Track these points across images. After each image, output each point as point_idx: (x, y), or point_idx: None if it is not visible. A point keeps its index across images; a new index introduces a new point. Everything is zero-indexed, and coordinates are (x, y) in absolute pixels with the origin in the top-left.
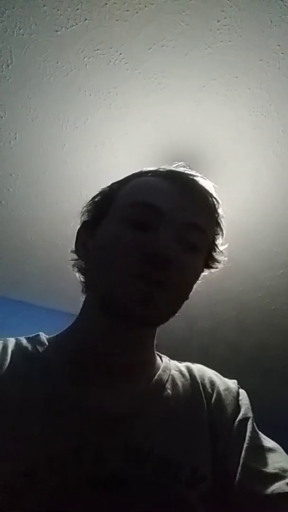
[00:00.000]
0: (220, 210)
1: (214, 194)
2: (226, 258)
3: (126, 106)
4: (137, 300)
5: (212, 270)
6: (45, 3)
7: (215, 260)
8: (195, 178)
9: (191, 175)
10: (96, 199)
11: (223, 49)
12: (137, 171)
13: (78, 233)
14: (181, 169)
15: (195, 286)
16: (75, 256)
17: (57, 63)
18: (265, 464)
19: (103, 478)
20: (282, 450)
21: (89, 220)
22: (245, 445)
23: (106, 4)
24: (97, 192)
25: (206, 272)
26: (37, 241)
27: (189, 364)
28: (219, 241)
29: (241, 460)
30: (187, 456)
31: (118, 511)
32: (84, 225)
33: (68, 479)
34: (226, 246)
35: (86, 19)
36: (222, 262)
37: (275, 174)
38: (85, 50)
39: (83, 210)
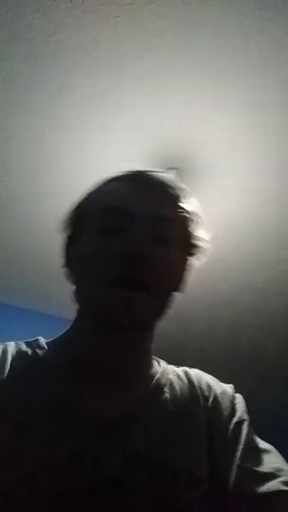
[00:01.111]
0: (186, 198)
1: (177, 185)
2: (209, 243)
3: (116, 111)
4: (119, 308)
5: (201, 259)
6: (36, 9)
7: (196, 247)
8: (154, 174)
9: (151, 171)
10: (72, 212)
11: (210, 54)
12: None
13: (63, 248)
14: (143, 169)
15: (191, 283)
16: (66, 270)
17: (49, 67)
18: (260, 464)
19: (102, 484)
20: (277, 451)
21: (68, 234)
22: (240, 447)
23: (96, 10)
24: (71, 205)
25: (196, 262)
26: (31, 245)
27: (186, 368)
28: (194, 227)
29: (237, 461)
30: (185, 460)
31: None
32: (66, 239)
33: (68, 485)
34: (205, 230)
35: (77, 25)
36: (204, 248)
37: (264, 176)
38: (76, 55)
39: (61, 225)
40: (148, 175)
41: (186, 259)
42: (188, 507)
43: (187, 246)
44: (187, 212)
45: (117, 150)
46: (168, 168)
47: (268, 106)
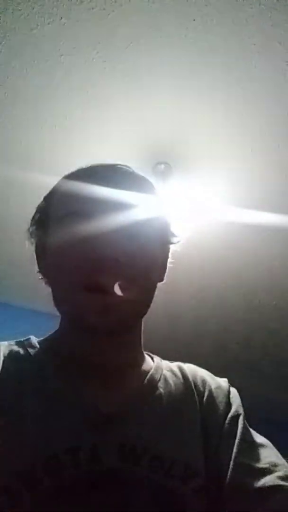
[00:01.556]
0: (149, 187)
1: (139, 175)
2: (180, 229)
3: (105, 105)
4: (97, 313)
5: (176, 242)
6: (20, 1)
7: (173, 235)
8: (114, 168)
9: (109, 165)
10: (36, 218)
11: (200, 49)
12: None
13: (35, 255)
14: (100, 164)
15: (175, 276)
16: (41, 276)
17: (34, 61)
18: (256, 459)
19: (100, 477)
20: (272, 445)
21: (36, 240)
22: (236, 441)
23: (82, 2)
24: (35, 209)
25: (175, 248)
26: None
27: (180, 363)
28: (163, 215)
29: (233, 455)
30: (181, 453)
31: (114, 509)
32: (35, 246)
33: (65, 480)
34: (177, 215)
35: (62, 18)
36: (179, 233)
37: (253, 172)
38: (62, 48)
39: (29, 231)
40: (107, 169)
41: (162, 249)
42: (184, 500)
43: (163, 236)
44: (153, 201)
45: (106, 145)
46: (157, 163)
47: (257, 102)
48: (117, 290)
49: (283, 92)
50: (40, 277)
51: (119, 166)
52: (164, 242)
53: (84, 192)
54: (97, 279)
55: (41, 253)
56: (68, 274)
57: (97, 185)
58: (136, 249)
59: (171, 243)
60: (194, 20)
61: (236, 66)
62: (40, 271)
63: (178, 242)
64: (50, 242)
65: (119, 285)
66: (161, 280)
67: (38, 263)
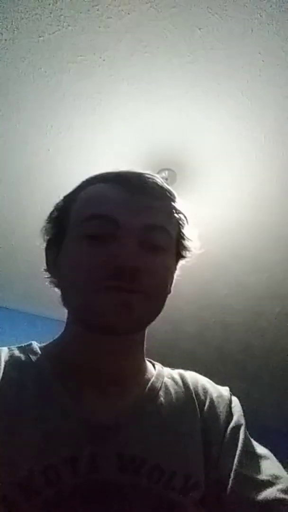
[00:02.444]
0: (176, 201)
1: (167, 188)
2: (198, 245)
3: (110, 112)
4: (114, 310)
5: (188, 259)
6: (28, 9)
7: (186, 249)
8: (145, 177)
9: (140, 175)
10: (54, 215)
11: (205, 56)
12: (86, 177)
13: (45, 252)
14: (129, 170)
15: (178, 282)
16: (49, 274)
17: (40, 68)
18: (258, 471)
19: (98, 487)
20: (273, 457)
21: (51, 238)
22: (237, 452)
23: (89, 10)
24: (53, 207)
25: (183, 262)
26: (22, 246)
27: (181, 371)
28: (185, 229)
29: (234, 467)
30: (181, 464)
31: None
32: (48, 243)
33: (64, 489)
34: (195, 232)
35: (69, 25)
36: (194, 248)
37: (258, 179)
38: (68, 56)
39: (43, 228)
40: (136, 177)
41: (176, 263)
42: (183, 511)
43: (178, 250)
44: (177, 216)
45: (111, 151)
46: (161, 169)
47: (261, 108)
48: (135, 294)
49: (287, 101)
50: (47, 276)
51: (147, 175)
52: (179, 255)
53: (110, 195)
54: (117, 284)
55: (56, 251)
56: (88, 274)
57: (128, 191)
58: (157, 262)
59: (183, 258)
60: (199, 29)
61: (240, 75)
62: (48, 269)
63: (190, 258)
64: (69, 241)
65: (137, 290)
66: (170, 292)
67: (48, 261)
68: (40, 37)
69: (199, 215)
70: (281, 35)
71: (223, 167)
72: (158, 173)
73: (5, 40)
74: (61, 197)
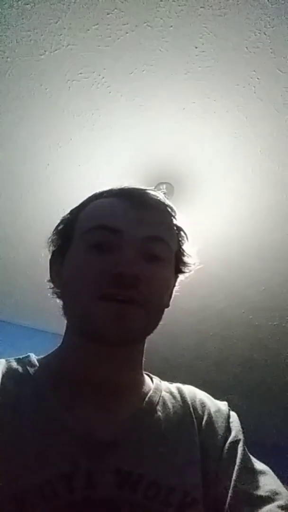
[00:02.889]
0: (175, 216)
1: (167, 203)
2: (197, 261)
3: (109, 127)
4: (111, 321)
5: (186, 274)
6: (28, 28)
7: (185, 264)
8: (147, 193)
9: (143, 191)
10: (59, 228)
11: (201, 74)
12: (91, 194)
13: (50, 263)
14: (132, 186)
15: (176, 295)
16: (52, 284)
17: (41, 85)
18: (256, 487)
19: (95, 504)
20: (272, 473)
21: (56, 249)
22: (236, 468)
23: (88, 30)
24: (59, 220)
25: (182, 277)
26: (21, 260)
27: (179, 385)
28: (185, 245)
29: (232, 483)
30: (178, 480)
31: None
32: (53, 255)
33: (60, 505)
34: (194, 248)
35: (69, 44)
36: (193, 264)
37: (254, 192)
38: (69, 73)
39: (49, 240)
40: (142, 194)
41: (175, 276)
42: None
43: (179, 263)
44: (177, 230)
45: (109, 166)
46: (159, 183)
47: (257, 124)
48: (134, 304)
49: (282, 116)
50: (50, 287)
51: (150, 191)
52: (177, 270)
53: (115, 208)
54: (115, 291)
55: (59, 262)
56: (87, 284)
57: (131, 205)
58: (156, 272)
59: (182, 273)
60: (195, 47)
61: (236, 91)
62: (52, 280)
63: (188, 272)
64: (72, 252)
65: (135, 299)
66: (168, 305)
67: (52, 272)
68: (41, 55)
69: (197, 228)
70: (275, 53)
71: (220, 181)
72: (156, 186)
73: (7, 57)
74: (68, 211)
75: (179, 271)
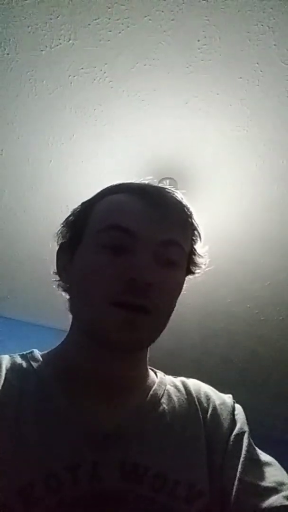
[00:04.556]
0: (193, 217)
1: (185, 204)
2: (207, 261)
3: (111, 123)
4: (119, 328)
5: (196, 275)
6: (29, 23)
7: (196, 265)
8: (164, 192)
9: (160, 189)
10: (70, 219)
11: (204, 67)
12: (108, 186)
13: (57, 255)
14: (149, 183)
15: (182, 294)
16: (58, 277)
17: (43, 81)
18: (262, 478)
19: (101, 496)
20: (278, 464)
21: (65, 242)
22: (241, 460)
23: (89, 24)
24: (70, 212)
25: (190, 277)
26: (24, 257)
27: (184, 379)
28: (197, 245)
29: (238, 474)
30: (184, 472)
31: None
32: (61, 247)
33: (65, 498)
34: (206, 248)
35: (70, 39)
36: (204, 265)
37: (258, 186)
38: (70, 69)
39: (58, 232)
40: (160, 194)
41: (185, 278)
42: None
43: (191, 264)
44: (195, 231)
45: (112, 161)
46: (162, 178)
47: (260, 117)
48: (144, 311)
49: (286, 109)
50: (55, 279)
51: (167, 189)
52: (188, 271)
53: (131, 207)
54: (127, 298)
55: (68, 256)
56: (98, 286)
57: (147, 204)
58: (169, 278)
59: (192, 274)
60: (198, 40)
61: (239, 84)
62: (58, 273)
63: (198, 274)
64: (84, 249)
65: (145, 307)
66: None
67: (59, 265)
68: (41, 51)
69: (200, 223)
70: (278, 45)
71: (224, 175)
72: (159, 182)
73: (7, 54)
74: (70, 207)
75: (189, 272)
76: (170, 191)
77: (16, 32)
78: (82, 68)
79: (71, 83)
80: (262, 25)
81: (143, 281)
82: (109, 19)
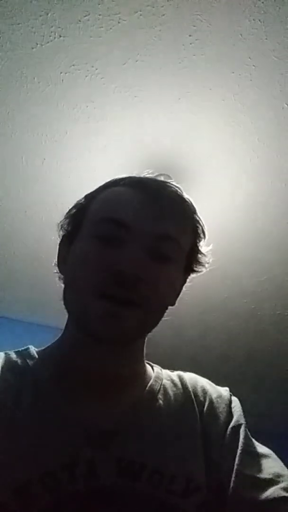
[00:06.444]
0: (195, 213)
1: (186, 198)
2: (210, 260)
3: (104, 119)
4: (102, 321)
5: (199, 273)
6: (19, 20)
7: (199, 264)
8: (164, 185)
9: (161, 183)
10: (72, 212)
11: (196, 63)
12: (111, 179)
13: (58, 248)
14: (151, 177)
15: (182, 291)
16: (58, 270)
17: (34, 78)
18: (259, 470)
19: (98, 493)
20: (275, 456)
21: (65, 234)
22: (238, 452)
23: (80, 20)
24: (73, 204)
25: (194, 275)
26: (20, 255)
27: (180, 373)
28: (200, 243)
29: (235, 467)
30: (181, 467)
31: None
32: (62, 239)
33: (62, 496)
34: (210, 247)
35: (61, 36)
36: (206, 264)
37: (253, 181)
38: (61, 65)
39: (60, 223)
40: (159, 187)
41: (185, 275)
42: None
43: (193, 262)
44: (197, 227)
45: (106, 158)
46: (157, 175)
47: (254, 112)
48: (131, 305)
49: (279, 103)
50: (56, 271)
51: (168, 183)
52: (188, 269)
53: (128, 200)
54: (113, 291)
55: (67, 247)
56: (85, 277)
57: (146, 197)
58: (160, 271)
59: (194, 271)
60: (189, 35)
61: (232, 79)
62: (58, 265)
63: (201, 272)
64: (79, 240)
65: (133, 300)
66: (173, 304)
67: (59, 257)
68: (32, 48)
69: None
70: (269, 39)
71: (219, 171)
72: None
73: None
74: (65, 205)
75: (191, 270)
76: (172, 185)
77: (6, 30)
78: (74, 65)
79: (62, 80)
80: (253, 19)
81: (131, 273)
82: (100, 15)
